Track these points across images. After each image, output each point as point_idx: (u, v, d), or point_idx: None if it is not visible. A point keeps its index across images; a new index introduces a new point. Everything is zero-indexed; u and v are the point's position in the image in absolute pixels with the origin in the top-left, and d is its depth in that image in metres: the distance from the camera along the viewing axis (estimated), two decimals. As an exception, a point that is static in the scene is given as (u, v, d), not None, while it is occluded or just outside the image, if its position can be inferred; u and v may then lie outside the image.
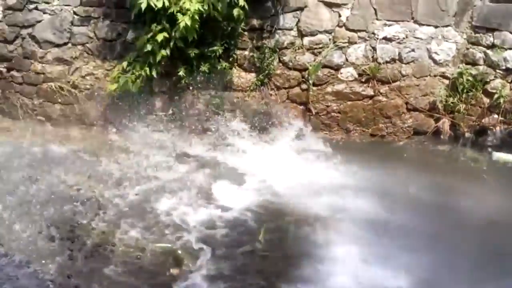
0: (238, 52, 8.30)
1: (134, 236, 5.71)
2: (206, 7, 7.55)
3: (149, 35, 7.81)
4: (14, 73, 8.66)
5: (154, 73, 8.01)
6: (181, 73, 8.05)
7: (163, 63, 8.06)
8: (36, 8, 8.30)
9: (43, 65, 8.50)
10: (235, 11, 7.71)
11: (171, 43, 7.78)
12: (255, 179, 7.10)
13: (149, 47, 7.81)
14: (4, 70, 8.65)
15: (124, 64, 8.10)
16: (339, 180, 7.06)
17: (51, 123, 8.74)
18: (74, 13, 8.32)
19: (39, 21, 8.37)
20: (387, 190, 6.70)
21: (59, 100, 8.61)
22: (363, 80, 8.21)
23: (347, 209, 6.29)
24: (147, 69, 7.99)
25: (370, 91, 8.23)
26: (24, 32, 8.43)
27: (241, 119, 8.41)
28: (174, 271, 5.13)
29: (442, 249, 5.53)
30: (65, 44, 8.42)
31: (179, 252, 5.45)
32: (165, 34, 7.70)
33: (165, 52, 7.79)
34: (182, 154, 7.90)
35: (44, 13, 8.32)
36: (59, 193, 6.51)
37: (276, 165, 7.47)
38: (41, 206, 6.11)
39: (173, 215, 6.17)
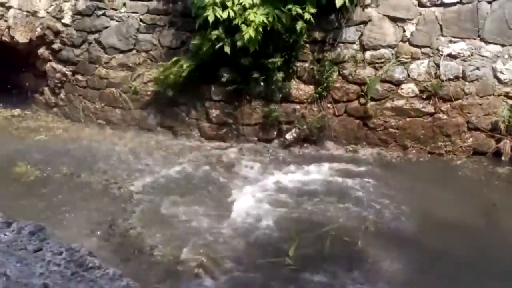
0: (298, 64, 8.33)
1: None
2: (271, 19, 7.62)
3: (206, 41, 7.93)
4: (78, 76, 8.90)
5: (196, 68, 8.03)
6: (243, 85, 8.11)
7: (221, 72, 8.14)
8: (104, 14, 8.54)
9: (107, 70, 8.72)
10: (299, 24, 7.75)
11: (220, 45, 7.82)
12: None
13: (199, 49, 7.93)
14: (70, 73, 8.91)
15: (174, 59, 8.22)
16: (383, 194, 6.97)
17: (110, 127, 8.94)
18: (141, 20, 8.52)
19: (106, 27, 8.60)
20: (431, 210, 6.55)
21: (120, 105, 8.79)
22: (424, 96, 8.11)
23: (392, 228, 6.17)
24: (193, 63, 8.06)
25: (430, 108, 8.12)
26: (91, 37, 8.67)
27: (297, 131, 8.42)
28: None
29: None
30: (130, 50, 8.62)
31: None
32: (225, 44, 7.78)
33: (210, 49, 7.84)
34: (230, 164, 7.95)
35: (112, 19, 8.55)
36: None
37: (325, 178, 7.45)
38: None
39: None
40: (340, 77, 8.28)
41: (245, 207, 6.48)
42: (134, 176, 7.22)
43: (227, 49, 7.77)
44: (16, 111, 9.43)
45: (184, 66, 8.03)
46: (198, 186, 7.06)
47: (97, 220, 5.92)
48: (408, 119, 8.17)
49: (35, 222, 1.80)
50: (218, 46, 7.78)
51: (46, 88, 9.21)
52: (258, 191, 6.99)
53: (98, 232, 5.66)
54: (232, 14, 7.67)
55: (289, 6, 7.68)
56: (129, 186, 6.89)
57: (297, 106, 8.42)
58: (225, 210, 6.40)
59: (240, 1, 7.67)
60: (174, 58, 8.23)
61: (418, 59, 8.08)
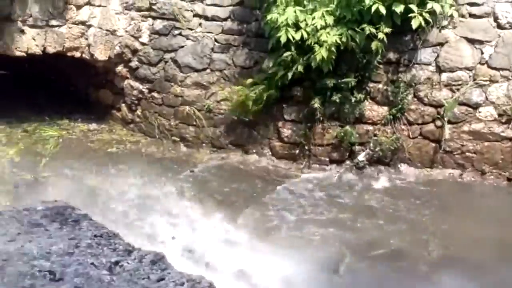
0: (371, 84, 8.24)
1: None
2: (344, 39, 7.60)
3: (279, 61, 7.98)
4: (154, 94, 9.12)
5: (276, 95, 8.10)
6: (316, 104, 8.09)
7: (294, 92, 8.17)
8: (180, 34, 8.74)
9: (182, 88, 8.90)
10: (373, 44, 7.69)
11: (296, 67, 7.85)
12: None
13: (273, 70, 7.97)
14: (146, 91, 9.14)
15: (249, 81, 8.30)
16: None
17: (184, 144, 9.10)
18: (215, 40, 8.67)
19: (182, 47, 8.79)
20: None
21: (194, 123, 8.94)
22: (503, 120, 7.86)
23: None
24: (273, 92, 8.13)
25: (510, 133, 7.85)
26: (167, 56, 8.89)
27: (370, 152, 8.33)
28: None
29: None
30: (204, 69, 8.78)
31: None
32: (299, 64, 7.82)
33: (290, 75, 7.88)
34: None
35: (187, 39, 8.74)
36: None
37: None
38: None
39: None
40: (415, 99, 8.14)
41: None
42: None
43: (300, 68, 7.80)
44: (93, 126, 9.75)
45: (265, 96, 8.12)
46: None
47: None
48: (486, 143, 7.93)
49: (154, 251, 1.85)
50: (293, 70, 7.82)
51: (123, 105, 9.49)
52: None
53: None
54: (305, 35, 7.70)
55: (363, 26, 7.65)
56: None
57: (370, 127, 8.32)
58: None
59: (313, 22, 7.70)
60: (249, 81, 8.30)
61: (497, 82, 7.85)
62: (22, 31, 8.52)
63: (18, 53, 8.46)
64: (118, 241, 1.89)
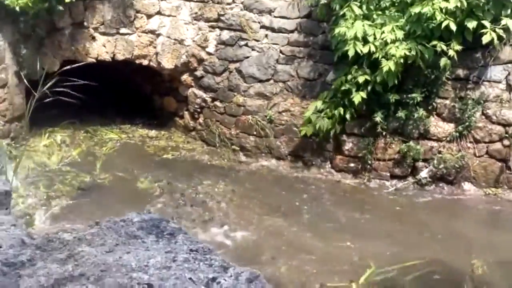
0: (438, 100, 8.11)
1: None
2: (413, 53, 7.50)
3: (348, 77, 7.95)
4: (217, 103, 9.23)
5: (348, 115, 8.11)
6: (378, 118, 8.02)
7: (358, 106, 8.12)
8: (246, 45, 8.81)
9: (245, 98, 8.97)
10: (442, 61, 7.56)
11: (369, 86, 7.84)
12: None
13: (346, 87, 7.95)
14: (209, 99, 9.26)
15: (319, 103, 8.29)
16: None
17: (243, 153, 9.16)
18: (281, 51, 8.71)
19: (247, 57, 8.87)
20: None
21: (254, 133, 8.99)
22: None
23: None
24: (342, 109, 8.10)
25: None
26: (232, 66, 8.98)
27: (433, 169, 8.18)
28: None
29: None
30: (268, 80, 8.82)
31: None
32: (366, 76, 7.78)
33: (363, 94, 7.85)
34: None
35: (253, 49, 8.81)
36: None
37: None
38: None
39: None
40: (483, 117, 7.95)
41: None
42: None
43: (362, 79, 7.75)
44: (153, 132, 9.95)
45: (348, 117, 8.16)
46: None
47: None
48: (556, 165, 7.66)
49: (250, 269, 1.86)
50: (365, 91, 7.79)
51: (186, 112, 9.64)
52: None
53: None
54: (373, 48, 7.64)
55: (434, 43, 7.53)
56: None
57: (435, 144, 8.18)
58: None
59: (382, 36, 7.62)
60: (319, 102, 8.29)
61: None
62: (94, 38, 8.78)
63: (88, 59, 8.71)
64: (214, 256, 1.90)
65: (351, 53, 7.58)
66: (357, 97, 7.87)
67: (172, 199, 7.51)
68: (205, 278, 1.79)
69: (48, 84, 3.50)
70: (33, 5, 7.80)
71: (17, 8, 7.72)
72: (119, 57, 8.95)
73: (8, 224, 2.80)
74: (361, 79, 7.78)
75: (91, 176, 7.95)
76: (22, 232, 2.75)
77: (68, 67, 3.79)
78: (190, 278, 1.79)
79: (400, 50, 7.49)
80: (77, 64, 3.89)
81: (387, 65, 7.50)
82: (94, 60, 8.83)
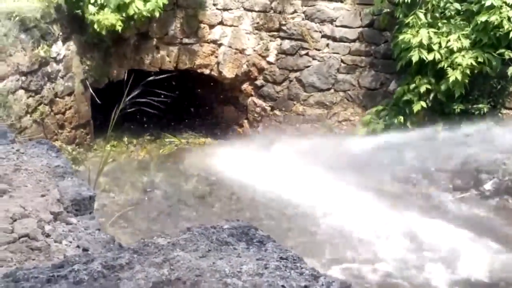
0: (504, 111, 7.90)
1: None
2: (480, 61, 7.36)
3: (410, 86, 7.87)
4: (276, 112, 9.29)
5: (408, 124, 8.01)
6: (440, 130, 7.89)
7: (418, 114, 8.03)
8: (306, 54, 8.84)
9: (304, 107, 8.99)
10: (510, 69, 7.38)
11: (431, 96, 7.74)
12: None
13: (407, 97, 7.87)
14: (269, 108, 9.33)
15: (379, 108, 8.23)
16: None
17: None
18: (341, 61, 8.69)
19: (307, 66, 8.90)
20: None
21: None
22: None
23: None
24: (401, 118, 8.01)
25: None
26: (292, 75, 9.02)
27: (497, 181, 7.98)
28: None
29: None
30: (328, 89, 8.82)
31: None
32: (428, 86, 7.69)
33: (424, 104, 7.75)
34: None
35: (314, 59, 8.83)
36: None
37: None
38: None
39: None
40: (551, 128, 7.69)
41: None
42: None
43: (423, 89, 7.67)
44: (207, 139, 10.05)
45: (408, 125, 8.09)
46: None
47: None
48: None
49: (340, 279, 1.87)
50: (426, 101, 7.71)
51: (245, 121, 9.73)
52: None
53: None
54: (438, 56, 7.53)
55: (501, 51, 7.36)
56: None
57: (499, 155, 7.95)
58: None
59: (448, 45, 7.51)
60: (376, 108, 8.26)
61: None
62: (157, 48, 9.00)
63: (152, 68, 8.92)
64: (304, 265, 1.93)
65: (415, 59, 7.50)
66: (417, 105, 7.79)
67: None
68: (297, 286, 1.82)
69: (132, 95, 3.60)
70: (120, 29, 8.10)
71: (104, 32, 8.01)
72: (181, 66, 9.13)
73: (93, 228, 2.92)
74: (422, 89, 7.68)
75: (149, 177, 8.38)
76: (107, 237, 2.86)
77: (152, 78, 3.88)
78: (282, 286, 1.82)
79: (466, 59, 7.36)
80: (162, 76, 3.98)
81: (454, 75, 7.38)
82: (157, 70, 9.02)
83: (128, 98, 3.52)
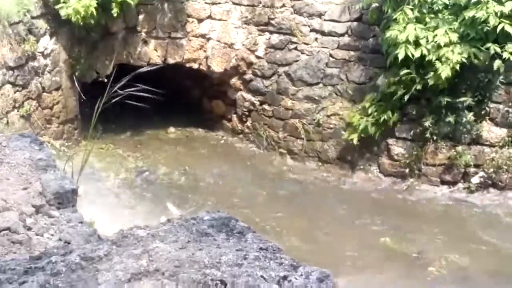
0: (491, 105, 7.94)
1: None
2: (465, 55, 7.38)
3: (397, 80, 7.87)
4: (265, 106, 9.28)
5: (395, 118, 8.03)
6: (427, 123, 7.93)
7: (407, 110, 8.06)
8: (295, 48, 8.84)
9: (293, 101, 8.99)
10: (496, 63, 7.42)
11: (419, 91, 7.76)
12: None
13: (392, 89, 7.88)
14: (258, 103, 9.32)
15: (366, 104, 8.23)
16: None
17: (290, 157, 9.17)
18: (330, 55, 8.69)
19: (296, 61, 8.89)
20: None
21: (302, 136, 8.99)
22: None
23: None
24: (390, 112, 8.02)
25: None
26: (281, 70, 9.01)
27: (484, 175, 8.03)
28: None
29: None
30: (317, 83, 8.82)
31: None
32: (416, 82, 7.70)
33: (407, 96, 7.77)
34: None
35: (302, 53, 8.83)
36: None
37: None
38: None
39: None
40: (539, 123, 7.75)
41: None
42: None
43: (419, 86, 7.67)
44: (194, 132, 10.04)
45: (383, 118, 8.06)
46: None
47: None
48: None
49: (320, 269, 1.87)
50: (411, 91, 7.71)
51: (234, 116, 9.72)
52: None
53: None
54: (425, 52, 7.54)
55: (488, 45, 7.39)
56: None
57: (487, 149, 8.01)
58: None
59: (436, 39, 7.52)
60: (364, 104, 8.28)
61: None
62: (146, 42, 8.96)
63: (140, 63, 8.87)
64: (283, 255, 1.93)
65: (401, 56, 7.50)
66: (403, 99, 7.82)
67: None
68: (276, 276, 1.82)
69: (117, 86, 3.59)
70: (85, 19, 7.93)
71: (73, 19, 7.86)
72: (170, 60, 9.10)
73: (75, 221, 2.90)
74: (410, 84, 7.71)
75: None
76: (89, 229, 2.85)
77: (143, 69, 3.87)
78: (262, 276, 1.82)
79: (456, 54, 7.37)
80: (143, 69, 3.96)
81: (442, 69, 7.38)
82: (145, 64, 8.97)
83: (112, 91, 3.50)
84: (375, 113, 8.18)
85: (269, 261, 1.91)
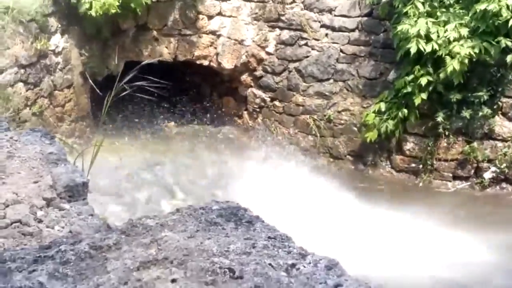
0: (504, 99, 7.88)
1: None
2: (477, 51, 7.32)
3: (410, 77, 7.82)
4: (276, 102, 9.27)
5: (412, 117, 8.00)
6: (439, 118, 7.88)
7: (419, 106, 8.01)
8: (306, 44, 8.82)
9: (304, 97, 8.97)
10: (509, 58, 7.36)
11: (431, 87, 7.72)
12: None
13: (409, 89, 7.83)
14: (268, 99, 9.31)
15: (382, 105, 8.17)
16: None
17: (302, 153, 9.15)
18: (341, 51, 8.67)
19: (307, 57, 8.87)
20: None
21: (313, 132, 8.98)
22: None
23: None
24: (405, 111, 7.98)
25: None
26: (291, 66, 9.00)
27: (497, 170, 7.98)
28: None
29: None
30: (328, 79, 8.80)
31: None
32: (428, 77, 7.65)
33: (424, 95, 7.73)
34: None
35: (313, 49, 8.81)
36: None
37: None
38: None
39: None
40: (550, 116, 7.67)
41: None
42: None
43: (424, 81, 7.63)
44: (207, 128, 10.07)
45: (412, 119, 8.09)
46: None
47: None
48: None
49: (328, 257, 1.87)
50: (427, 92, 7.70)
51: (245, 112, 9.73)
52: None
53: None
54: (436, 46, 7.49)
55: (499, 39, 7.32)
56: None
57: (500, 144, 7.95)
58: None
59: (446, 34, 7.47)
60: (382, 104, 8.24)
61: None
62: (156, 39, 8.98)
63: (150, 60, 8.88)
64: (292, 244, 1.93)
65: (413, 50, 7.47)
66: (418, 98, 7.76)
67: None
68: (284, 264, 1.82)
69: (124, 80, 3.61)
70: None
71: (96, 15, 7.84)
72: (180, 58, 9.12)
73: (86, 214, 2.92)
74: (423, 81, 7.63)
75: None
76: (99, 222, 2.86)
77: (145, 62, 3.89)
78: (270, 264, 1.82)
79: (465, 49, 7.32)
80: (142, 63, 3.99)
81: (451, 65, 7.34)
82: (156, 62, 8.98)
83: (121, 84, 3.52)
84: (390, 111, 8.13)
85: (278, 250, 1.91)
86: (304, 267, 1.81)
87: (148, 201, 7.43)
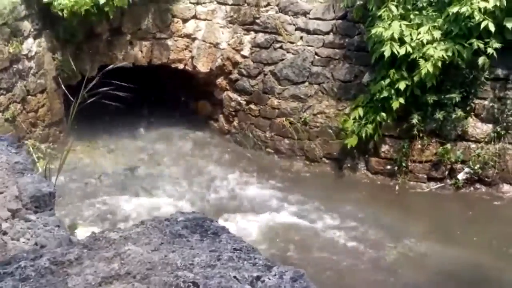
0: (476, 101, 7.96)
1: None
2: (450, 54, 7.39)
3: (386, 82, 7.85)
4: (252, 106, 9.25)
5: (389, 120, 8.03)
6: (414, 120, 7.93)
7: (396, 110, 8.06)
8: (281, 47, 8.82)
9: (279, 101, 8.96)
10: (481, 60, 7.44)
11: (408, 91, 7.77)
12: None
13: (385, 94, 7.86)
14: (244, 102, 9.29)
15: (360, 111, 8.18)
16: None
17: (278, 156, 9.15)
18: (316, 53, 8.68)
19: (282, 60, 8.87)
20: None
21: (289, 135, 8.98)
22: None
23: None
24: (383, 115, 8.00)
25: None
26: (266, 69, 8.99)
27: (470, 171, 8.06)
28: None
29: None
30: (303, 82, 8.80)
31: None
32: (406, 82, 7.69)
33: (402, 100, 7.78)
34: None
35: (288, 52, 8.81)
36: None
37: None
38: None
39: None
40: (523, 118, 7.77)
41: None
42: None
43: (402, 86, 7.67)
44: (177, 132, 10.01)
45: (390, 122, 8.13)
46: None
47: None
48: None
49: (293, 268, 1.85)
50: (404, 96, 7.75)
51: (221, 116, 9.70)
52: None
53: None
54: (409, 49, 7.55)
55: (471, 41, 7.40)
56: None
57: (473, 145, 8.04)
58: None
59: (419, 37, 7.53)
60: (360, 109, 8.23)
61: None
62: (131, 43, 8.91)
63: (125, 64, 8.80)
64: (258, 255, 1.91)
65: (387, 54, 7.51)
66: (396, 103, 7.80)
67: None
68: (249, 276, 1.80)
69: (90, 85, 3.56)
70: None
71: (65, 14, 7.76)
72: (155, 61, 9.06)
73: (52, 225, 2.86)
74: (402, 86, 7.67)
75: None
76: (66, 233, 2.80)
77: (110, 66, 3.84)
78: (234, 277, 1.80)
79: (438, 51, 7.38)
80: (111, 66, 3.94)
81: (425, 67, 7.40)
82: (130, 65, 8.92)
83: (86, 90, 3.48)
84: (368, 115, 8.15)
85: (243, 262, 1.89)
86: (270, 279, 1.79)
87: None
